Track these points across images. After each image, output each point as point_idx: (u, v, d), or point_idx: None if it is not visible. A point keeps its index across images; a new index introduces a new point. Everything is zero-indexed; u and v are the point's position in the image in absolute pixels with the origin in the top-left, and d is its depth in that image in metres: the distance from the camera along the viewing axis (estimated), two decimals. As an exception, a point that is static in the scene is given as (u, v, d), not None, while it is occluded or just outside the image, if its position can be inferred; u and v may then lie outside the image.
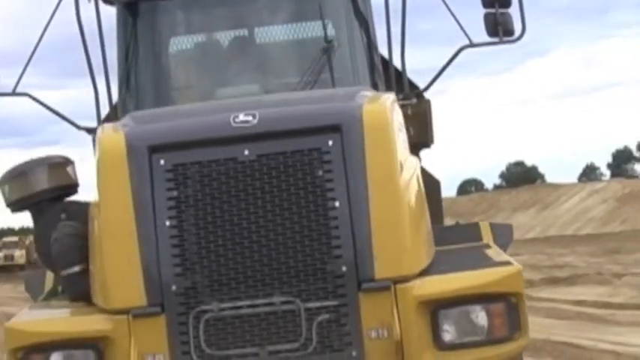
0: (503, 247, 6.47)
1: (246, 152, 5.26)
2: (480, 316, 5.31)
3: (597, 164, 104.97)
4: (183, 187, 5.25)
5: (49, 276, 6.73)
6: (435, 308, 5.27)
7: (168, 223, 5.22)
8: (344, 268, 5.17)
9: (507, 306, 5.32)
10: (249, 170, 5.25)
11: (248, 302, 5.17)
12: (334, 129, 5.30)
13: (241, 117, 5.35)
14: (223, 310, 5.17)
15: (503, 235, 6.68)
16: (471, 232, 6.66)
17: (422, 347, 5.22)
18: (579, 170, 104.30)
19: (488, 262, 5.66)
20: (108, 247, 5.28)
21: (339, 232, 5.19)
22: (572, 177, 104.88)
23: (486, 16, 6.79)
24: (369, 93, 5.86)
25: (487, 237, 6.59)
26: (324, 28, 6.85)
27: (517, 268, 5.41)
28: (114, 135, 5.47)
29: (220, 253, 5.19)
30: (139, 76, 7.03)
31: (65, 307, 5.83)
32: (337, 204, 5.21)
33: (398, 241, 5.26)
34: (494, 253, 6.04)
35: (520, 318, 5.33)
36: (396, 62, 7.16)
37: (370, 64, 7.04)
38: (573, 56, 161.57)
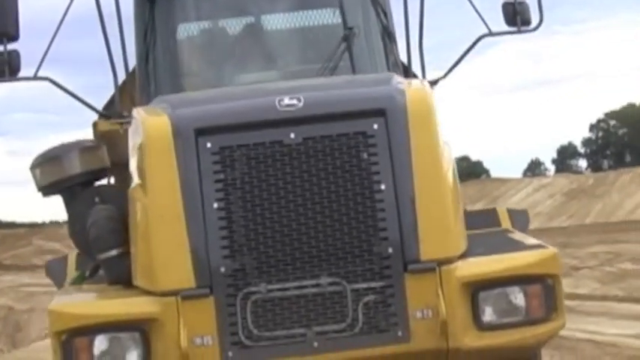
0: (521, 232, 6.60)
1: (292, 135, 5.32)
2: (518, 297, 5.43)
3: (542, 160, 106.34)
4: (230, 169, 5.29)
5: (72, 261, 6.71)
6: (475, 290, 5.38)
7: (216, 205, 5.25)
8: (390, 250, 5.25)
9: (544, 287, 5.45)
10: (295, 153, 5.30)
11: (296, 284, 5.23)
12: (379, 113, 5.38)
13: (286, 100, 5.40)
14: (271, 291, 5.22)
15: (520, 221, 6.80)
16: (490, 217, 6.77)
17: (464, 328, 5.32)
18: (524, 166, 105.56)
19: (524, 245, 5.78)
20: (156, 230, 5.29)
21: (385, 214, 5.27)
22: (516, 172, 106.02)
23: (505, 6, 6.89)
24: (404, 79, 5.94)
25: (505, 222, 6.71)
26: (343, 15, 6.92)
27: (553, 250, 5.54)
28: (158, 118, 5.48)
29: (268, 235, 5.24)
30: (158, 60, 7.02)
31: (103, 290, 5.83)
32: (383, 186, 5.29)
33: (442, 223, 5.36)
34: (522, 237, 6.16)
35: (557, 299, 5.46)
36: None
37: (386, 51, 7.11)
38: (517, 52, 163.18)
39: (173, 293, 5.22)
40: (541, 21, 6.92)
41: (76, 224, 6.01)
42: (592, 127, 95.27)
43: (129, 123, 6.96)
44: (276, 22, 7.25)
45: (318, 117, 5.36)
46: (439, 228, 5.34)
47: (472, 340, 5.33)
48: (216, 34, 7.22)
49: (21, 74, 6.64)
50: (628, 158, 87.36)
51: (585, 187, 57.42)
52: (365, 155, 5.31)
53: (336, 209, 5.26)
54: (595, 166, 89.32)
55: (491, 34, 6.93)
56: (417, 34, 7.16)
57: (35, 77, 6.88)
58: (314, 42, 7.16)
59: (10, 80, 6.72)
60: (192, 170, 5.28)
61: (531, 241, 5.91)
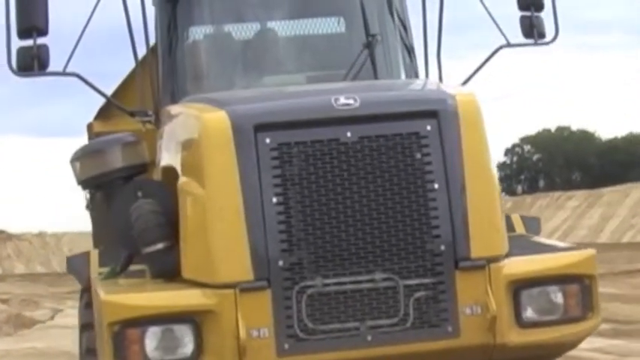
0: None
1: (349, 134, 5.44)
2: (558, 296, 5.63)
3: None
4: (288, 165, 5.39)
5: (94, 257, 6.71)
6: (518, 288, 5.56)
7: (275, 200, 5.34)
8: (442, 247, 5.40)
9: (582, 287, 5.66)
10: (351, 151, 5.42)
11: (351, 279, 5.35)
12: (431, 114, 5.54)
13: (342, 100, 5.52)
14: (327, 285, 5.33)
15: (533, 227, 7.02)
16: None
17: (509, 324, 5.50)
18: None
19: (560, 247, 5.99)
20: (215, 224, 5.35)
21: (437, 213, 5.42)
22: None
23: (522, 19, 7.13)
24: (450, 84, 6.12)
25: (519, 228, 6.90)
26: (366, 22, 7.10)
27: (592, 251, 5.76)
28: (216, 114, 5.55)
29: (325, 230, 5.34)
30: (181, 61, 7.09)
31: (145, 283, 5.88)
32: (436, 186, 5.44)
33: (491, 223, 5.54)
34: (547, 240, 6.38)
35: (593, 299, 5.67)
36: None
37: (404, 60, 7.29)
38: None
39: (231, 286, 5.28)
40: (557, 34, 7.18)
41: (117, 218, 6.02)
42: (507, 152, 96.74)
43: (150, 121, 7.04)
44: (296, 28, 7.37)
45: (374, 116, 5.50)
46: (488, 227, 5.51)
47: (516, 336, 5.50)
48: (239, 37, 7.31)
49: None
50: (542, 184, 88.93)
51: (503, 210, 58.35)
52: (418, 155, 5.46)
53: (391, 207, 5.39)
54: (509, 191, 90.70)
55: (509, 45, 7.16)
56: (433, 43, 7.36)
57: (64, 73, 6.89)
58: (334, 48, 7.30)
59: (39, 75, 6.73)
60: (251, 165, 5.36)
61: (560, 243, 6.13)
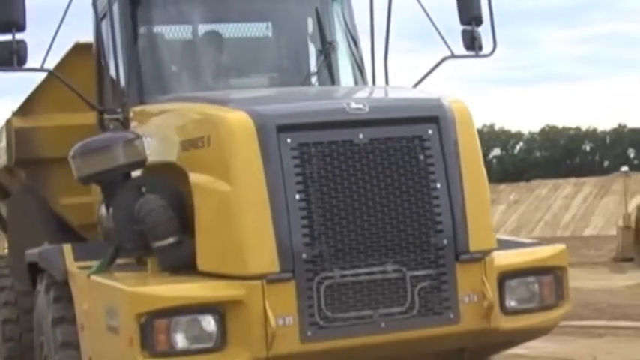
0: None
1: (361, 136, 5.86)
2: (535, 286, 6.26)
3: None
4: (308, 164, 5.75)
5: (68, 250, 6.82)
6: (502, 278, 6.14)
7: (297, 196, 5.69)
8: (445, 241, 5.91)
9: (555, 278, 6.32)
10: (363, 152, 5.85)
11: (366, 270, 5.77)
12: (433, 120, 6.04)
13: (353, 104, 5.94)
14: (344, 276, 5.73)
15: None
16: None
17: (497, 311, 6.07)
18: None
19: (532, 243, 6.63)
20: (243, 219, 5.64)
21: (440, 210, 5.93)
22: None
23: (464, 33, 7.72)
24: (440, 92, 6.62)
25: None
26: (322, 30, 7.55)
27: (562, 246, 6.43)
28: (238, 114, 5.82)
29: (343, 225, 5.74)
30: (146, 62, 7.27)
31: (154, 275, 6.08)
32: (438, 185, 5.94)
33: (485, 219, 6.11)
34: (512, 237, 7.04)
35: (564, 288, 6.34)
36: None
37: (355, 62, 7.79)
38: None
39: (258, 277, 5.59)
40: (494, 47, 7.81)
41: (119, 213, 6.16)
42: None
43: (118, 119, 7.19)
44: (258, 31, 7.72)
45: (382, 121, 5.95)
46: (483, 223, 6.07)
47: (504, 322, 6.08)
48: (210, 39, 7.57)
49: None
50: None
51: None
52: (422, 157, 5.95)
53: (400, 204, 5.85)
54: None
55: (453, 56, 7.74)
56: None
57: (41, 69, 6.96)
58: (299, 53, 7.68)
59: (17, 70, 6.77)
60: (275, 164, 5.68)
61: (527, 240, 6.78)
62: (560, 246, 6.45)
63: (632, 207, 32.71)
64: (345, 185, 5.78)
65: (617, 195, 50.21)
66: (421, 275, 5.87)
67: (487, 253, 6.04)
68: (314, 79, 7.53)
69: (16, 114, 9.24)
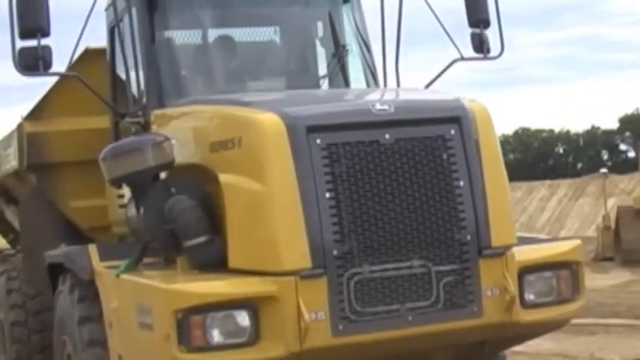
0: None
1: (387, 136, 6.06)
2: (552, 280, 6.48)
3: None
4: (337, 164, 5.93)
5: (94, 250, 6.97)
6: (521, 273, 6.35)
7: (327, 195, 5.87)
8: (468, 237, 6.11)
9: (572, 272, 6.53)
10: (389, 152, 6.05)
11: (393, 265, 5.96)
12: (455, 120, 6.24)
13: (378, 106, 6.14)
14: (373, 272, 5.92)
15: None
16: None
17: (517, 305, 6.28)
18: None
19: (551, 239, 6.85)
20: (277, 217, 5.82)
21: (463, 207, 6.13)
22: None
23: (472, 35, 7.94)
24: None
25: None
26: (337, 35, 7.76)
27: (578, 241, 6.66)
28: (269, 116, 6.00)
29: (371, 222, 5.93)
30: (166, 66, 7.43)
31: (185, 273, 6.24)
32: (461, 183, 6.15)
33: (506, 215, 6.32)
34: (527, 234, 7.26)
35: (580, 282, 6.56)
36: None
37: (367, 65, 7.99)
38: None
39: (291, 273, 5.77)
40: (502, 49, 8.03)
41: (149, 213, 6.32)
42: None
43: (139, 122, 7.34)
44: (273, 35, 7.91)
45: (406, 121, 6.14)
46: (504, 219, 6.28)
47: (524, 315, 6.29)
48: (222, 43, 7.74)
49: None
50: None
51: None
52: (445, 156, 6.15)
53: (425, 201, 6.05)
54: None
55: (462, 58, 7.95)
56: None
57: (66, 74, 7.12)
58: (316, 56, 7.87)
59: (43, 75, 6.92)
60: (305, 163, 5.87)
61: (541, 236, 6.99)
62: (576, 241, 6.68)
63: (608, 208, 33.11)
64: (372, 184, 5.97)
65: (591, 197, 50.65)
66: (446, 270, 6.06)
67: (508, 248, 6.25)
68: (328, 82, 7.72)
69: (27, 119, 9.37)
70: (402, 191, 6.01)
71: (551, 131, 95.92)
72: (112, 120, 8.21)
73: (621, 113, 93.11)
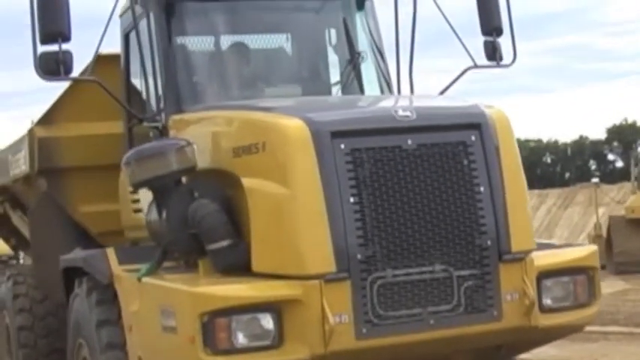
0: None
1: (409, 142, 6.13)
2: (570, 285, 6.56)
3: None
4: (360, 169, 6.00)
5: (111, 254, 7.02)
6: (540, 278, 6.43)
7: (352, 200, 5.94)
8: (489, 242, 6.19)
9: (588, 277, 6.61)
10: (411, 157, 6.12)
11: (416, 269, 6.03)
12: (475, 126, 6.32)
13: (400, 112, 6.21)
14: (395, 276, 5.99)
15: None
16: None
17: (536, 309, 6.35)
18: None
19: (567, 244, 6.92)
20: (302, 222, 5.88)
21: (484, 212, 6.21)
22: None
23: (485, 43, 8.03)
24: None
25: None
26: (352, 42, 7.84)
27: (594, 247, 6.74)
28: (294, 121, 6.06)
29: (395, 227, 6.00)
30: (184, 72, 7.49)
31: (207, 277, 6.29)
32: (482, 189, 6.23)
33: (525, 220, 6.40)
34: (542, 240, 7.34)
35: (596, 287, 6.65)
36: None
37: (382, 75, 8.07)
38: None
39: (316, 277, 5.83)
40: (515, 57, 8.12)
41: (173, 217, 6.36)
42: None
43: (157, 127, 7.40)
44: (289, 41, 7.98)
45: (428, 127, 6.22)
46: (523, 224, 6.35)
47: (542, 319, 6.37)
48: (239, 49, 7.81)
49: None
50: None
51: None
52: (466, 162, 6.22)
53: (446, 207, 6.12)
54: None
55: (476, 66, 8.03)
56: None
57: (86, 78, 7.18)
58: (330, 62, 7.95)
59: (64, 79, 6.99)
60: (330, 168, 5.93)
61: (556, 242, 7.08)
62: (592, 247, 6.77)
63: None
64: (395, 189, 6.04)
65: (580, 206, 50.85)
66: (467, 275, 6.13)
67: (527, 253, 6.32)
68: (342, 89, 7.80)
69: (38, 124, 9.42)
70: (424, 196, 6.08)
71: (540, 141, 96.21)
72: (125, 125, 8.25)
73: (609, 123, 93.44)
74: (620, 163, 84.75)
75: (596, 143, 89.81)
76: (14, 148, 10.19)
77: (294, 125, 6.04)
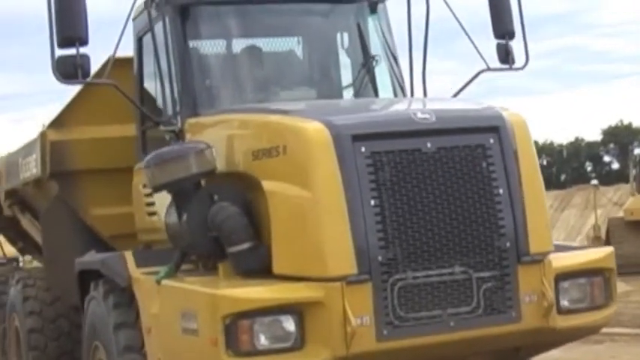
0: None
1: (429, 145, 6.17)
2: (586, 287, 6.60)
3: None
4: (381, 172, 6.04)
5: (129, 257, 7.05)
6: (557, 279, 6.47)
7: (372, 202, 5.97)
8: (508, 244, 6.22)
9: (604, 279, 6.66)
10: (431, 160, 6.15)
11: (436, 272, 6.07)
12: (494, 129, 6.36)
13: (420, 115, 6.25)
14: (416, 278, 6.02)
15: None
16: None
17: (554, 311, 6.39)
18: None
19: (584, 246, 6.96)
20: (324, 224, 5.91)
21: (503, 215, 6.24)
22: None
23: (498, 46, 8.07)
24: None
25: None
26: (366, 45, 7.88)
27: (611, 249, 6.78)
28: (314, 125, 6.10)
29: (415, 229, 6.04)
30: (199, 75, 7.52)
31: (227, 279, 6.32)
32: (501, 191, 6.26)
33: (543, 223, 6.44)
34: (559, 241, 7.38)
35: (612, 289, 6.69)
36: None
37: (395, 79, 8.11)
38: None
39: (338, 279, 5.86)
40: (527, 60, 8.16)
41: (193, 220, 6.39)
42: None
43: (174, 130, 7.43)
44: (304, 44, 8.02)
45: (447, 130, 6.26)
46: (542, 226, 6.39)
47: (560, 321, 6.40)
48: (255, 53, 7.84)
49: None
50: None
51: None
52: (484, 164, 6.26)
53: (466, 209, 6.16)
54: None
55: (489, 69, 8.07)
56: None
57: (104, 82, 7.21)
58: (344, 66, 7.99)
59: (81, 83, 7.03)
60: (351, 171, 5.97)
61: (573, 244, 7.12)
62: (609, 249, 6.81)
63: (594, 219, 33.37)
64: (415, 191, 6.07)
65: (577, 208, 50.97)
66: (486, 276, 6.17)
67: (545, 255, 6.36)
68: (357, 92, 7.85)
69: (50, 127, 9.44)
70: (443, 199, 6.12)
71: (535, 143, 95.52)
72: (138, 128, 8.28)
73: (605, 125, 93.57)
74: (616, 165, 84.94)
75: (591, 145, 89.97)
76: (24, 151, 10.21)
77: (315, 128, 6.08)
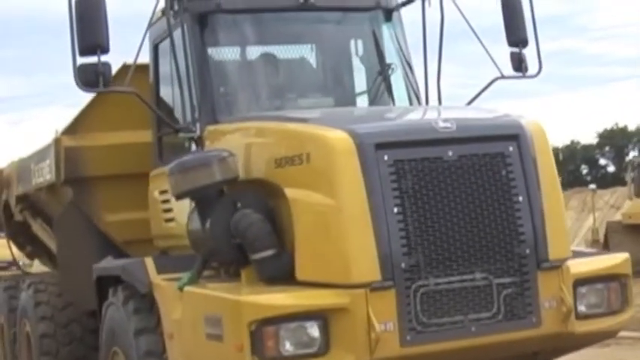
0: None
1: (450, 153, 6.25)
2: (604, 292, 6.68)
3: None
4: (403, 180, 6.12)
5: (150, 263, 7.12)
6: (575, 285, 6.55)
7: (395, 210, 6.05)
8: (527, 251, 6.31)
9: (620, 284, 6.75)
10: (452, 168, 6.24)
11: (457, 278, 6.15)
12: (513, 137, 6.44)
13: (441, 123, 6.33)
14: (438, 284, 6.10)
15: None
16: None
17: (572, 316, 6.47)
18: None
19: (599, 252, 7.05)
20: (347, 231, 5.99)
21: (522, 222, 6.32)
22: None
23: (512, 55, 8.17)
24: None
25: None
26: (381, 53, 7.96)
27: (627, 255, 6.87)
28: (338, 133, 6.18)
29: (437, 236, 6.12)
30: (219, 83, 7.60)
31: (250, 285, 6.40)
32: (520, 198, 6.34)
33: (562, 229, 6.53)
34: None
35: (628, 294, 6.77)
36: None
37: (410, 87, 8.20)
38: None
39: (362, 286, 5.93)
40: (540, 67, 8.25)
41: (216, 227, 6.46)
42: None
43: (193, 137, 7.50)
44: (321, 52, 8.11)
45: (468, 138, 6.34)
46: (560, 233, 6.48)
47: (578, 326, 6.49)
48: (273, 60, 7.93)
49: None
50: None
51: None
52: (504, 172, 6.34)
53: (486, 216, 6.24)
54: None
55: (503, 77, 8.17)
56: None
57: (125, 89, 7.28)
58: (361, 74, 8.07)
59: (102, 91, 7.08)
60: (374, 179, 6.05)
61: (588, 249, 7.22)
62: (625, 255, 6.90)
63: (590, 222, 33.52)
64: (437, 199, 6.15)
65: (574, 211, 51.07)
66: (506, 282, 6.25)
67: (564, 261, 6.45)
68: (373, 100, 7.94)
69: (65, 133, 9.51)
70: (464, 206, 6.20)
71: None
72: (155, 135, 8.35)
73: (600, 128, 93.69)
74: (611, 168, 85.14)
75: (587, 148, 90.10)
76: (37, 156, 10.28)
77: (339, 137, 6.15)
